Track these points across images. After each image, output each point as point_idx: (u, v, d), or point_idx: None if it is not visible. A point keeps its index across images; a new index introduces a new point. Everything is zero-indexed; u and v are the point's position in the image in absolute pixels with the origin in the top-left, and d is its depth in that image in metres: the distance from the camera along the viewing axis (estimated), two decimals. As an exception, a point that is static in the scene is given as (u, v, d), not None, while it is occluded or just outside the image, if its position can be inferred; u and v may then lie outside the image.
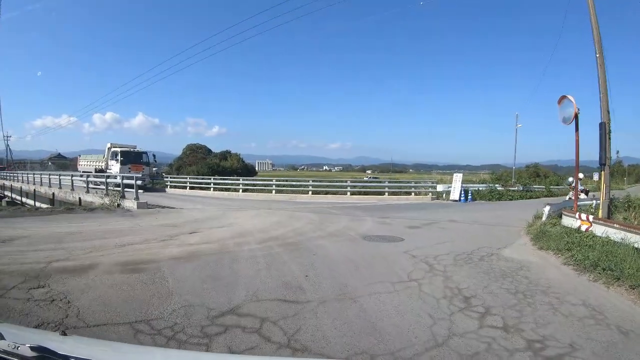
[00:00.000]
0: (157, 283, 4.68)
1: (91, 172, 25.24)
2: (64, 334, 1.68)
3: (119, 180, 18.76)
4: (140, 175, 22.81)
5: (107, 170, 24.66)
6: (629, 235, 6.58)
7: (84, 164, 30.72)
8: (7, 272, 4.91)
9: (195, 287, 4.60)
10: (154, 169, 28.86)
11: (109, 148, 26.35)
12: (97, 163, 28.02)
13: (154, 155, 26.64)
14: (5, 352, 1.31)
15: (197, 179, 26.29)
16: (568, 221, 8.87)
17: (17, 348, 1.30)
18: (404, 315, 3.87)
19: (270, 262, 5.87)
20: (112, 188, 17.93)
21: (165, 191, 25.34)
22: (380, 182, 24.56)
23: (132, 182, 16.34)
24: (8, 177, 37.16)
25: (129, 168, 23.53)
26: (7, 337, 1.38)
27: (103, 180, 19.50)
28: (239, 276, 5.10)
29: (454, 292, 4.64)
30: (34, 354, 1.28)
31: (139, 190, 19.88)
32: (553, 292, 4.80)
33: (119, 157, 24.29)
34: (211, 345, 3.15)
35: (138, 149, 27.16)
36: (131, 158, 25.04)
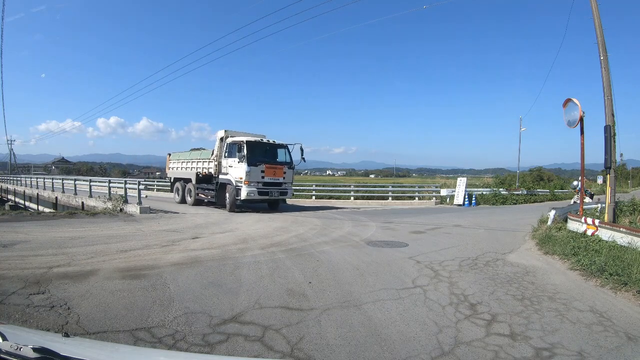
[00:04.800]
0: (159, 289, 4.63)
1: (190, 180, 17.50)
2: (66, 335, 1.66)
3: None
4: (281, 181, 15.30)
5: (221, 175, 15.72)
6: (636, 239, 6.52)
7: (176, 167, 19.15)
8: (8, 277, 4.87)
9: (196, 293, 4.54)
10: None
11: (222, 139, 15.99)
12: (201, 164, 17.04)
13: (301, 149, 15.98)
14: (7, 353, 1.30)
15: None
16: (574, 225, 8.81)
17: (20, 349, 1.30)
18: (409, 323, 3.81)
19: (273, 269, 5.81)
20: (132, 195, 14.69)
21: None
22: (383, 186, 24.49)
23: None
24: (11, 181, 37.42)
25: (262, 171, 14.64)
26: (10, 338, 1.38)
27: (212, 190, 15.73)
28: (241, 283, 5.04)
29: (460, 299, 4.58)
30: (36, 355, 1.27)
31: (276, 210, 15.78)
32: (560, 298, 4.74)
33: (244, 153, 14.35)
34: (212, 353, 3.09)
35: (268, 139, 16.17)
36: (263, 154, 15.33)
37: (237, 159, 14.58)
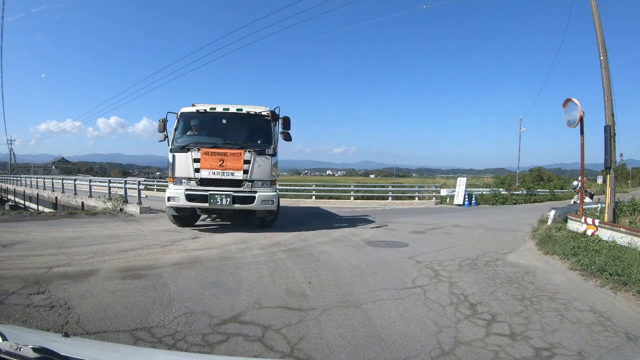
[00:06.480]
0: (158, 289, 4.63)
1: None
2: (66, 335, 1.66)
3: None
4: (239, 178, 9.00)
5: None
6: (636, 239, 6.52)
7: None
8: (8, 277, 4.88)
9: (196, 293, 4.54)
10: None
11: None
12: None
13: (274, 115, 9.56)
14: (7, 352, 1.30)
15: None
16: (574, 225, 8.81)
17: (20, 349, 1.29)
18: (409, 323, 3.80)
19: (273, 269, 5.81)
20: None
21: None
22: (383, 186, 24.50)
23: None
24: (11, 181, 37.47)
25: (196, 160, 8.97)
26: (10, 338, 1.38)
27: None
28: (241, 283, 5.04)
29: (460, 299, 4.58)
30: (36, 355, 1.26)
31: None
32: (560, 298, 4.73)
33: (169, 132, 9.50)
34: (212, 353, 3.09)
35: (248, 108, 9.68)
36: (209, 132, 9.77)
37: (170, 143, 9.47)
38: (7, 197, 36.29)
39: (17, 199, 32.35)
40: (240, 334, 3.43)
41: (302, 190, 22.89)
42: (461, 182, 22.23)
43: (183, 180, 9.07)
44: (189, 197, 8.87)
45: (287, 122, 9.63)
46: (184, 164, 9.09)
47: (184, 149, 9.12)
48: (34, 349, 1.27)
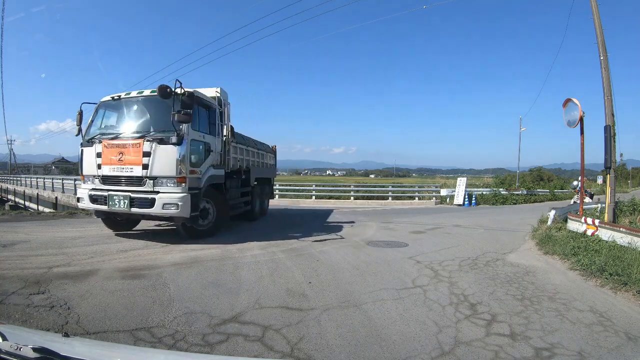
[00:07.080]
0: (158, 289, 4.63)
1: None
2: (66, 335, 1.67)
3: None
4: (138, 174, 7.31)
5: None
6: (636, 239, 6.53)
7: None
8: (8, 277, 4.88)
9: (196, 293, 4.54)
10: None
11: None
12: None
13: (181, 96, 7.25)
14: (7, 352, 1.30)
15: None
16: (574, 225, 8.82)
17: (20, 349, 1.30)
18: (409, 323, 3.80)
19: (273, 269, 5.81)
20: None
21: None
22: (383, 186, 24.50)
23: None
24: (11, 181, 37.49)
25: (98, 155, 7.65)
26: (10, 338, 1.38)
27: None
28: (241, 283, 5.04)
29: (460, 299, 4.58)
30: (36, 355, 1.27)
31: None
32: (560, 298, 4.73)
33: (88, 126, 8.28)
34: (212, 353, 3.09)
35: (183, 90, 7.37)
36: (117, 122, 8.20)
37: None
38: (7, 197, 36.30)
39: (17, 199, 32.36)
40: (240, 334, 3.43)
41: (302, 191, 22.92)
42: (461, 182, 22.25)
43: (90, 179, 7.98)
44: (92, 199, 7.81)
45: (186, 101, 7.27)
46: (89, 159, 7.92)
47: (89, 142, 7.94)
48: (34, 349, 1.27)
